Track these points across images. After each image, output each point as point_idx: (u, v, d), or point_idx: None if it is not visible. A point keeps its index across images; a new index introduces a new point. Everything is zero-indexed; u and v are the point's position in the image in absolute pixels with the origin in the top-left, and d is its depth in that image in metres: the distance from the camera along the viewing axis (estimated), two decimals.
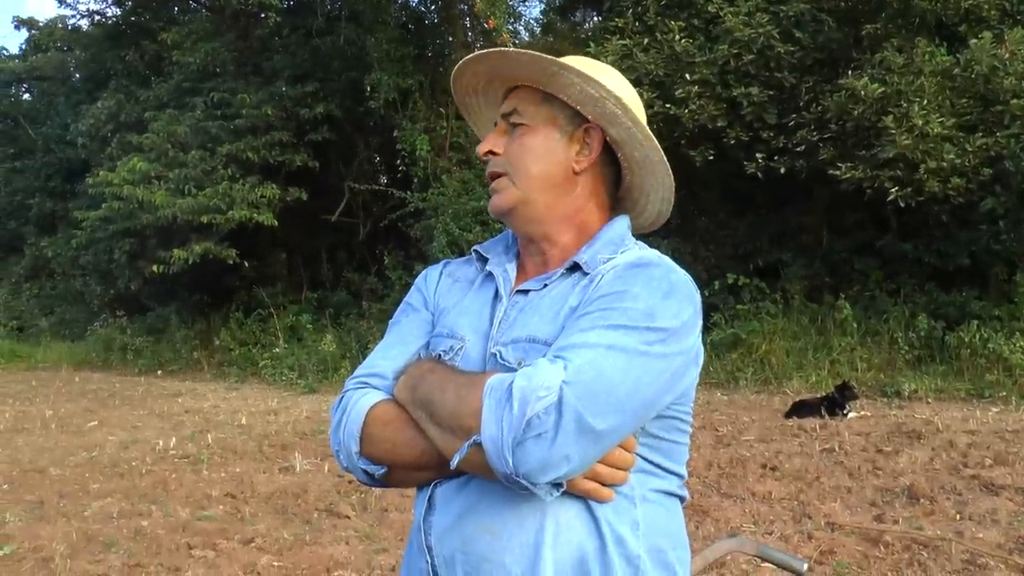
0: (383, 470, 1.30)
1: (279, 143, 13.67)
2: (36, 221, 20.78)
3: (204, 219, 12.61)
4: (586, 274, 1.34)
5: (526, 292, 1.38)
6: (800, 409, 7.36)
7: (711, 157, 9.90)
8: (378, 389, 1.35)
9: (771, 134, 9.51)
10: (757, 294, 10.36)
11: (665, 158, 1.44)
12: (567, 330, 1.24)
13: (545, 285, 1.37)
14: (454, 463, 1.18)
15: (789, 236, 11.00)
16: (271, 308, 14.14)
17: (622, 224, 1.45)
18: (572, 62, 1.38)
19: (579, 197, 1.42)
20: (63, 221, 18.63)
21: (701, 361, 1.33)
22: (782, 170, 9.44)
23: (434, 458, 1.23)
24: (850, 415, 7.18)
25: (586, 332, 1.20)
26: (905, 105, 8.38)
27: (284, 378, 11.94)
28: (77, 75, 21.35)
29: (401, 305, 1.55)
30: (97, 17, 18.51)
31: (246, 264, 13.90)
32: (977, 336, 8.49)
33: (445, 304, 1.48)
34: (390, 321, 1.53)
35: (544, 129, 1.38)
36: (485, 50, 1.39)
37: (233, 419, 8.84)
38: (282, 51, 14.37)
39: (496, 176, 1.39)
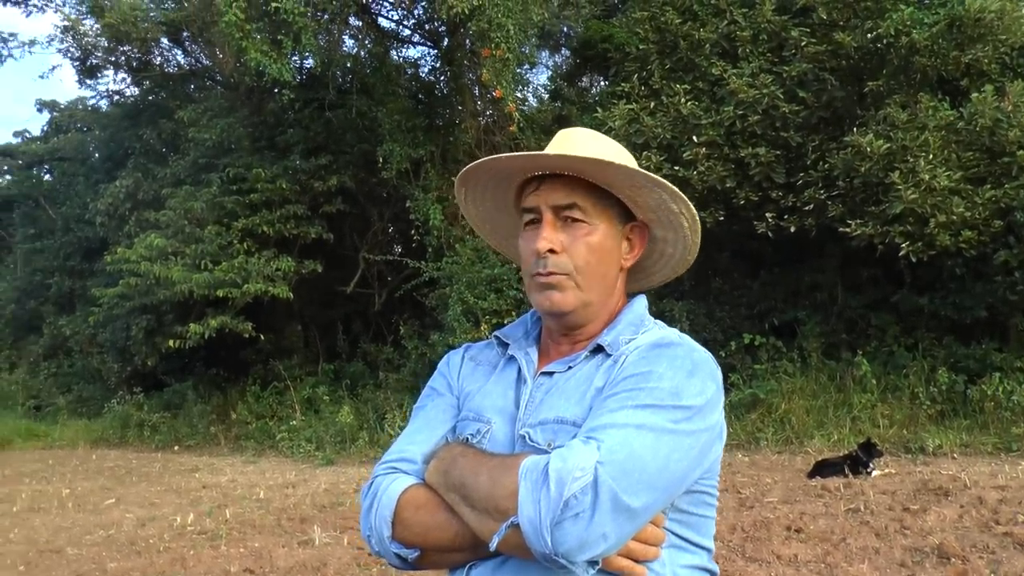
0: (416, 553, 1.32)
1: (294, 216, 13.83)
2: (55, 300, 21.00)
3: (220, 293, 12.71)
4: (609, 355, 1.38)
5: (550, 374, 1.42)
6: (823, 468, 7.26)
7: (721, 218, 9.95)
8: (408, 474, 1.38)
9: (780, 193, 9.57)
10: (774, 353, 10.30)
11: (696, 251, 1.54)
12: (595, 411, 1.28)
13: (570, 367, 1.41)
14: (493, 545, 1.20)
15: (803, 294, 10.98)
16: (287, 380, 14.13)
17: (641, 304, 1.50)
18: (586, 139, 1.44)
19: (618, 291, 1.49)
20: (81, 299, 18.81)
21: (724, 436, 1.36)
22: (792, 229, 9.46)
23: (468, 540, 1.26)
24: (874, 473, 7.07)
25: (615, 412, 1.24)
26: (911, 160, 8.44)
27: (302, 450, 11.88)
28: (96, 155, 21.79)
29: (425, 390, 1.58)
30: (116, 97, 19.01)
31: (262, 337, 13.94)
32: (1000, 388, 8.37)
33: (469, 388, 1.51)
34: (415, 406, 1.57)
35: (603, 227, 1.42)
36: (568, 154, 1.38)
37: (251, 493, 8.79)
38: (295, 125, 14.63)
39: (553, 275, 1.39)
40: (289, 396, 13.82)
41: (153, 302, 13.54)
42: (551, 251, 1.38)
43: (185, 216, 13.79)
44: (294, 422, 12.95)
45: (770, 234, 9.61)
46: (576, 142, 1.44)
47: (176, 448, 14.03)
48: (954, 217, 8.33)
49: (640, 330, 1.43)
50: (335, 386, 14.09)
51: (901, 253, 8.66)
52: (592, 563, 1.17)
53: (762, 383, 9.84)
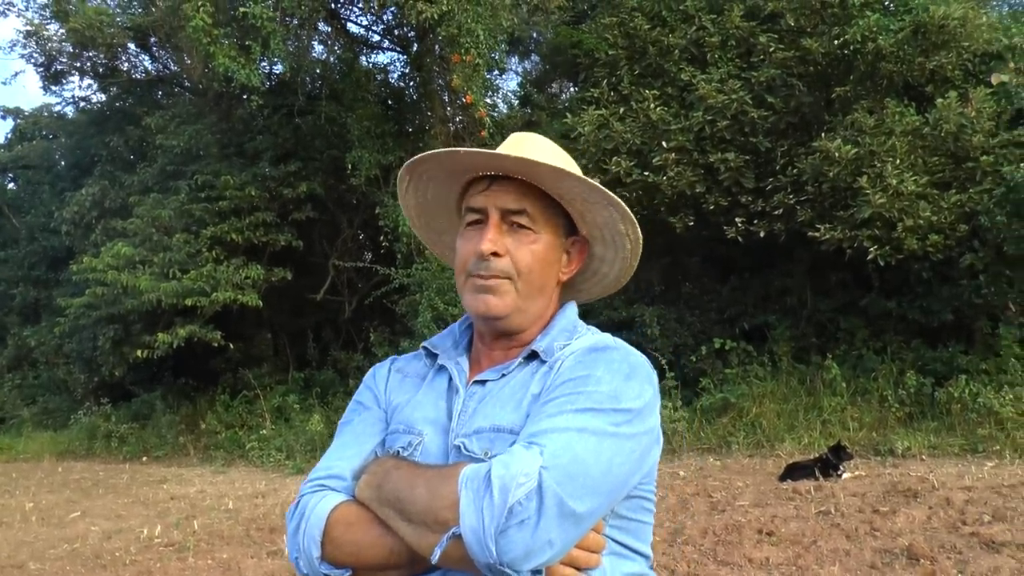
0: (348, 573, 1.27)
1: (263, 223, 13.73)
2: (19, 310, 20.66)
3: (188, 302, 12.56)
4: (544, 362, 1.36)
5: (483, 383, 1.39)
6: (794, 471, 7.29)
7: (691, 223, 10.01)
8: (337, 491, 1.33)
9: (749, 198, 9.64)
10: (745, 357, 10.35)
11: (629, 275, 1.55)
12: (534, 416, 1.26)
13: (503, 375, 1.39)
14: (435, 558, 1.16)
15: (773, 298, 11.05)
16: (257, 389, 14.00)
17: (573, 311, 1.50)
18: (543, 146, 1.44)
19: (553, 302, 1.47)
20: (47, 310, 18.53)
21: (661, 440, 1.36)
22: (762, 233, 9.53)
23: (404, 557, 1.22)
24: (844, 475, 7.12)
25: (555, 417, 1.22)
26: (879, 165, 8.54)
27: (272, 460, 11.75)
28: (62, 163, 21.50)
29: (350, 404, 1.54)
30: (82, 103, 18.77)
31: (231, 346, 13.81)
32: (967, 391, 8.47)
33: (398, 400, 1.47)
34: (340, 422, 1.52)
35: (547, 237, 1.41)
36: (529, 159, 1.34)
37: (220, 503, 8.67)
38: (264, 131, 14.53)
39: (494, 278, 1.37)
40: (259, 405, 13.68)
41: (120, 312, 13.35)
42: (495, 254, 1.36)
43: (153, 224, 13.63)
44: (264, 431, 12.82)
45: (740, 239, 9.68)
46: (533, 148, 1.42)
47: (144, 459, 13.83)
48: (921, 221, 8.43)
49: (574, 335, 1.42)
50: (305, 394, 13.98)
51: (869, 257, 8.74)
52: (535, 572, 1.15)
53: (733, 387, 9.88)
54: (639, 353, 1.36)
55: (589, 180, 1.37)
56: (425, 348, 1.53)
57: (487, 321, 1.41)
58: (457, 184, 1.46)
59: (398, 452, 1.37)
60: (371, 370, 1.59)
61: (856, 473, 7.27)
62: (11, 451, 15.97)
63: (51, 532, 7.81)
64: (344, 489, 1.33)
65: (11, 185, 25.15)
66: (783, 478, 7.29)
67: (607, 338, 1.41)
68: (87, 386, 17.32)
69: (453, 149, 1.38)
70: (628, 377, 1.29)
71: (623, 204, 1.40)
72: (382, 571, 1.27)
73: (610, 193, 1.38)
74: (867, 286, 10.29)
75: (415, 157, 1.44)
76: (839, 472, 7.13)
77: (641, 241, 1.48)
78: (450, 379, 1.43)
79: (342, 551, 1.27)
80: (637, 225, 1.45)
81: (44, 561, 6.58)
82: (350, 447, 1.42)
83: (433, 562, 1.16)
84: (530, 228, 1.38)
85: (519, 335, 1.43)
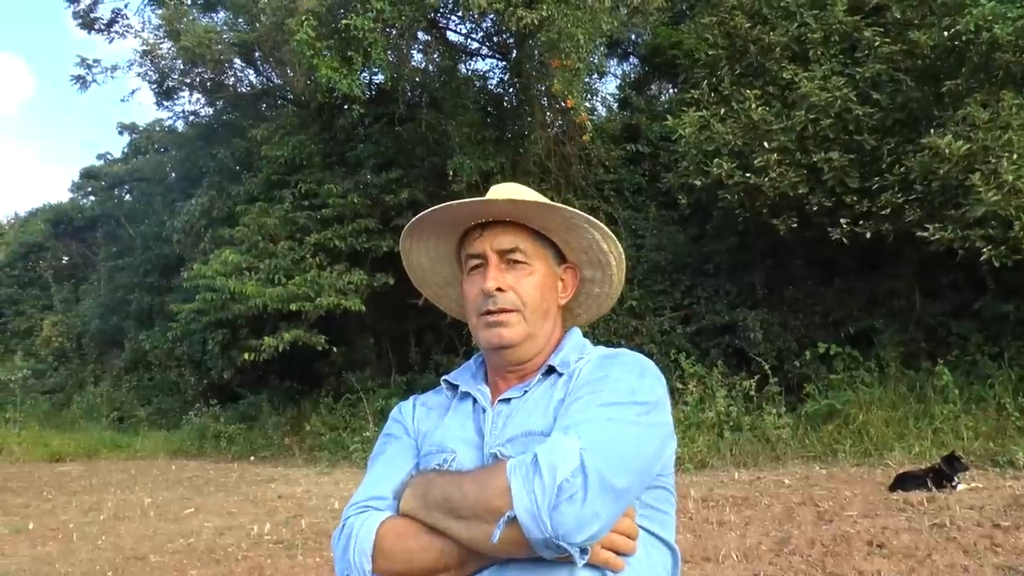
0: None
1: (365, 230, 13.97)
2: (135, 316, 21.59)
3: (293, 307, 12.91)
4: (561, 374, 1.50)
5: (507, 401, 1.51)
6: (904, 482, 7.01)
7: (794, 225, 9.76)
8: (381, 510, 1.41)
9: (854, 198, 9.33)
10: (850, 362, 10.05)
11: (619, 291, 1.71)
12: (563, 414, 1.37)
13: (525, 392, 1.50)
14: (495, 538, 1.23)
15: (880, 302, 10.70)
16: (360, 392, 14.27)
17: (579, 333, 1.65)
18: (520, 190, 1.59)
19: (557, 325, 1.61)
20: (160, 315, 19.30)
21: (675, 438, 1.48)
22: (868, 234, 9.23)
23: (455, 557, 1.30)
24: (959, 487, 6.80)
25: (583, 411, 1.34)
26: (993, 161, 8.15)
27: None
28: (173, 174, 22.35)
29: (380, 439, 1.65)
30: (191, 118, 19.51)
31: (335, 350, 14.11)
32: None
33: (426, 428, 1.59)
34: (371, 456, 1.62)
35: (541, 268, 1.57)
36: (517, 199, 1.53)
37: (326, 503, 8.88)
38: (366, 140, 14.81)
39: (503, 311, 1.50)
40: (362, 408, 13.95)
41: (228, 316, 13.82)
42: (499, 289, 1.50)
43: (258, 232, 14.06)
44: (367, 433, 13.05)
45: (844, 240, 9.39)
46: (514, 193, 1.57)
47: (252, 459, 14.28)
48: None
49: (584, 351, 1.56)
50: (407, 398, 14.15)
51: (983, 258, 8.35)
52: (583, 551, 1.23)
53: (838, 393, 9.61)
54: (647, 358, 1.50)
55: (569, 208, 1.53)
56: (446, 381, 1.66)
57: (501, 352, 1.54)
58: (454, 237, 1.63)
59: (435, 468, 1.45)
60: (396, 407, 1.71)
61: (972, 485, 6.94)
62: (129, 449, 16.73)
63: (168, 527, 8.14)
64: (387, 508, 1.41)
65: (127, 197, 26.39)
66: (893, 488, 7.02)
67: (616, 348, 1.56)
68: (197, 388, 18.02)
69: (448, 204, 1.56)
70: (641, 375, 1.43)
71: (603, 226, 1.57)
72: (434, 575, 1.32)
73: (590, 217, 1.54)
74: (981, 288, 9.83)
75: (413, 220, 1.64)
76: (953, 483, 6.82)
77: (623, 258, 1.64)
78: (474, 401, 1.55)
79: (394, 561, 1.33)
80: (618, 243, 1.61)
81: (163, 554, 6.86)
82: (387, 473, 1.50)
83: (493, 542, 1.23)
84: (525, 262, 1.54)
85: (532, 362, 1.55)
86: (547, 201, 1.54)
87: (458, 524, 1.27)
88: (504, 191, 1.59)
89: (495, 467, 1.29)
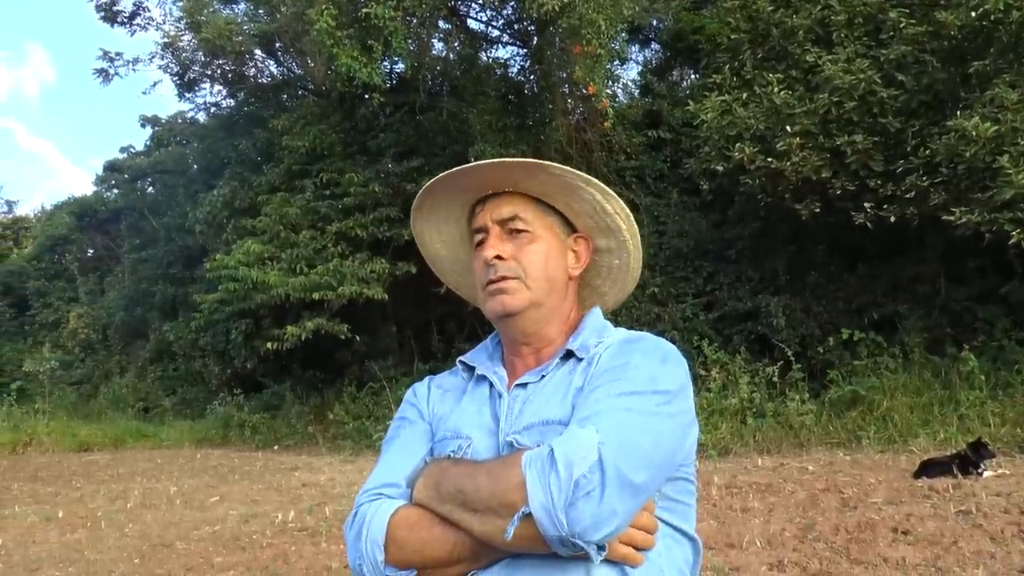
0: (412, 574, 1.31)
1: (387, 219, 14.00)
2: (159, 307, 21.78)
3: (316, 296, 12.97)
4: (580, 359, 1.44)
5: (524, 385, 1.46)
6: (930, 468, 6.93)
7: (817, 209, 9.66)
8: (394, 498, 1.38)
9: (878, 182, 9.21)
10: (874, 348, 9.96)
11: (640, 263, 1.62)
12: (581, 404, 1.32)
13: (543, 376, 1.45)
14: (509, 535, 1.19)
15: (904, 287, 10.58)
16: (383, 381, 14.32)
17: (599, 313, 1.58)
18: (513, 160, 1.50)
19: (569, 299, 1.55)
20: (184, 305, 19.45)
21: (697, 425, 1.42)
22: (892, 219, 9.10)
23: (468, 550, 1.27)
24: (986, 474, 6.72)
25: (601, 402, 1.29)
26: (1022, 143, 8.01)
27: None
28: (195, 166, 22.48)
29: (394, 422, 1.62)
30: (212, 109, 19.63)
31: (357, 338, 14.18)
32: None
33: (441, 412, 1.54)
34: (384, 440, 1.60)
35: (546, 236, 1.51)
36: (501, 159, 1.47)
37: (349, 491, 8.93)
38: (387, 129, 14.82)
39: (504, 279, 1.46)
40: (385, 396, 13.99)
41: (251, 306, 13.91)
42: (498, 257, 1.46)
43: (280, 222, 14.12)
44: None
45: (868, 225, 9.27)
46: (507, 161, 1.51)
47: (275, 448, 14.39)
48: None
49: (604, 334, 1.49)
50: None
51: (1011, 242, 8.21)
52: (600, 548, 1.19)
53: (862, 380, 9.53)
54: (670, 343, 1.44)
55: (559, 165, 1.46)
56: (462, 363, 1.61)
57: (508, 322, 1.50)
58: (463, 217, 1.60)
59: (450, 455, 1.42)
60: (410, 388, 1.67)
61: (999, 472, 6.85)
62: (155, 438, 16.91)
63: (194, 515, 8.21)
64: (400, 496, 1.38)
65: (150, 189, 26.61)
66: (918, 475, 6.95)
67: (637, 332, 1.50)
68: (221, 377, 18.16)
69: (435, 178, 1.51)
70: (663, 361, 1.37)
71: (598, 182, 1.50)
72: (447, 568, 1.30)
73: (583, 174, 1.47)
74: (1008, 273, 9.71)
75: (414, 204, 1.59)
76: (980, 470, 6.73)
77: (632, 217, 1.56)
78: (491, 386, 1.50)
79: (406, 551, 1.30)
80: (621, 201, 1.53)
81: (189, 542, 6.93)
82: (400, 459, 1.48)
83: (507, 539, 1.20)
84: (526, 230, 1.48)
85: (543, 335, 1.51)
86: (534, 161, 1.47)
87: (471, 517, 1.24)
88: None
89: (510, 460, 1.25)
